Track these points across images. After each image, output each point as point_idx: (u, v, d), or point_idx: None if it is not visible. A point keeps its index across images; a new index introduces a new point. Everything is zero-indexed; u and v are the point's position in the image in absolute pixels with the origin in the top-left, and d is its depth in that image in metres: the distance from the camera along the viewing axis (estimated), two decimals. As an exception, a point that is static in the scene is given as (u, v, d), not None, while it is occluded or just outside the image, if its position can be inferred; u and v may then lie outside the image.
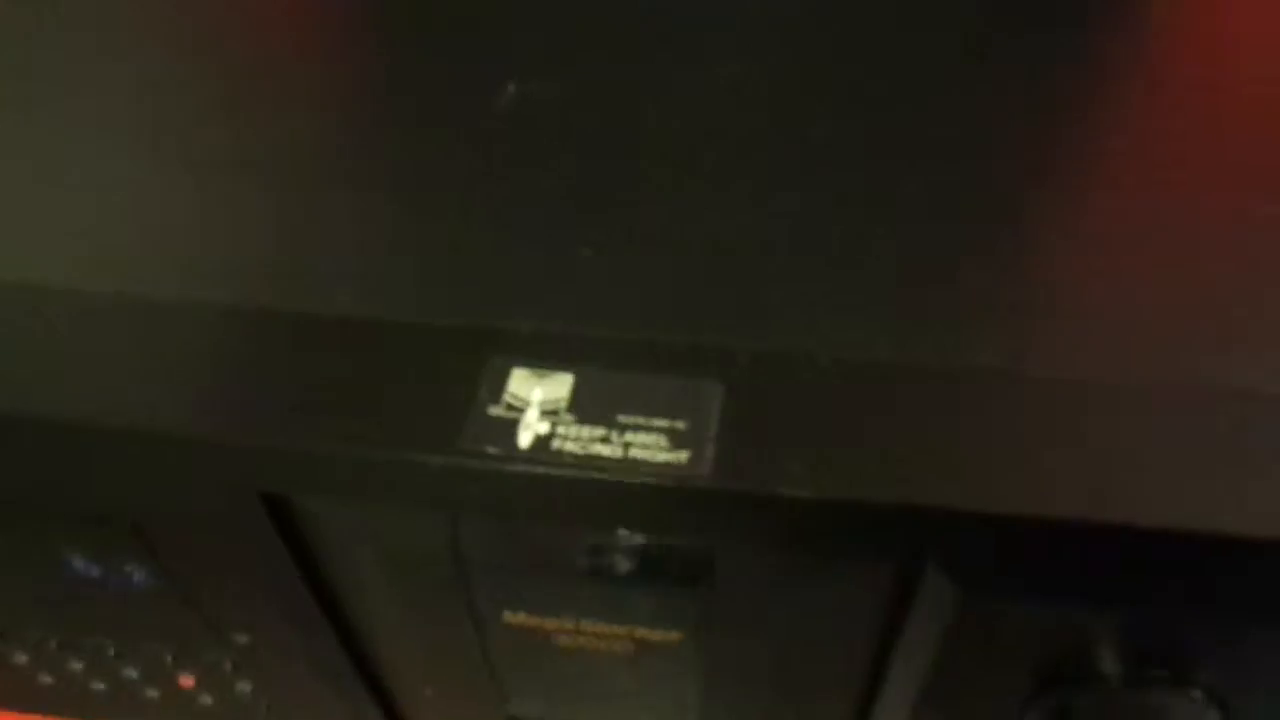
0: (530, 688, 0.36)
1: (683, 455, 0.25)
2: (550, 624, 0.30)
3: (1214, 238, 0.30)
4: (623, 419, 0.26)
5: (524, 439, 0.26)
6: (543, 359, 0.27)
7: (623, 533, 0.27)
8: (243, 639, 0.34)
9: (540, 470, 0.25)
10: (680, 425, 0.26)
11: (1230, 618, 0.26)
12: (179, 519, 0.29)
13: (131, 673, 0.38)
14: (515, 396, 0.27)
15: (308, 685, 0.37)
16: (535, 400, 0.27)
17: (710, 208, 0.32)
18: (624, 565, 0.28)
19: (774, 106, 0.35)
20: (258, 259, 0.30)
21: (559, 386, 0.27)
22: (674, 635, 0.30)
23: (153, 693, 0.39)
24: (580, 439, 0.26)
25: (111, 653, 0.37)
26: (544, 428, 0.26)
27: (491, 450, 0.26)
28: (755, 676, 0.31)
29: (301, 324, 0.28)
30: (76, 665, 0.38)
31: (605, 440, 0.26)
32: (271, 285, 0.29)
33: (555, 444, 0.26)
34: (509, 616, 0.30)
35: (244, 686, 0.38)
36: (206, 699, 0.39)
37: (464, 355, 0.27)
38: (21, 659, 0.39)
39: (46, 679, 0.40)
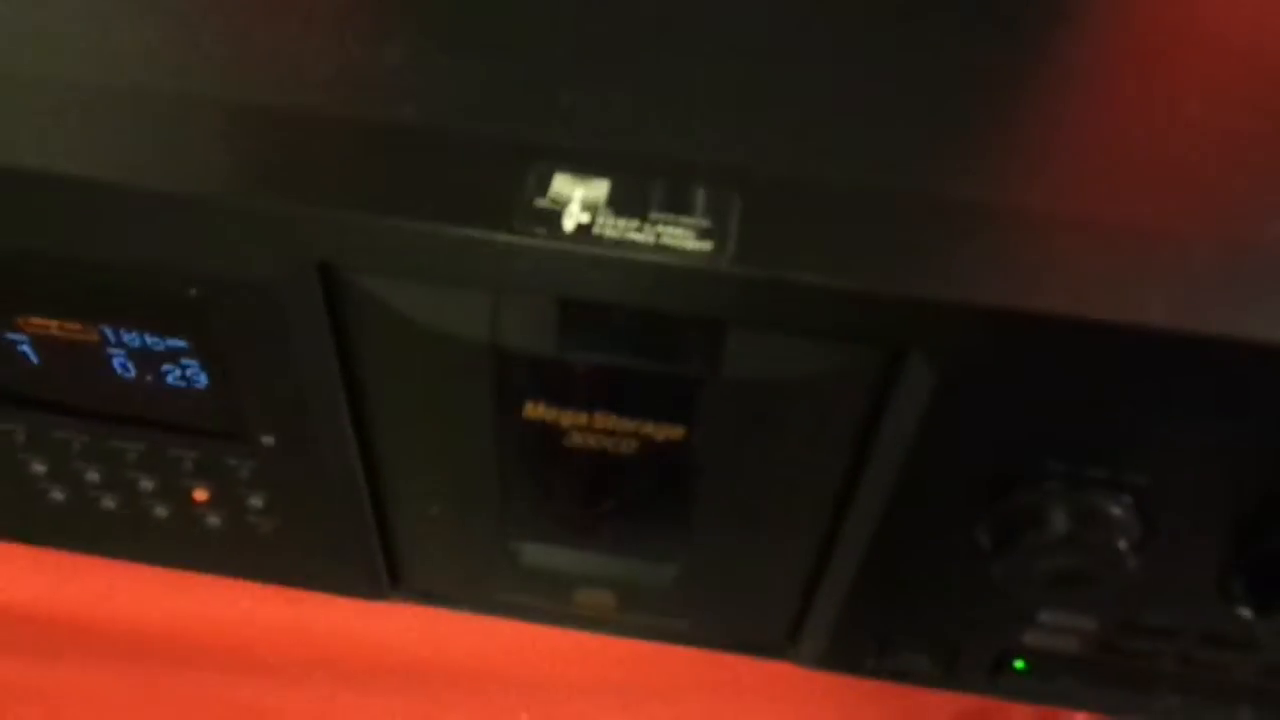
0: (530, 518, 0.39)
1: (707, 244, 0.29)
2: (566, 418, 0.34)
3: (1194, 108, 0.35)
4: (654, 216, 0.30)
5: (568, 225, 0.30)
6: (582, 167, 0.31)
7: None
8: (268, 439, 0.37)
9: (583, 250, 0.29)
10: (705, 223, 0.30)
11: (1165, 419, 0.30)
12: (238, 292, 0.32)
13: (147, 483, 0.40)
14: (558, 194, 0.30)
15: (317, 503, 0.40)
16: (576, 198, 0.30)
17: (742, 53, 0.36)
18: (638, 348, 0.32)
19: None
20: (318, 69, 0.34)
21: (597, 189, 0.30)
22: (677, 431, 0.33)
23: (162, 510, 0.42)
24: (618, 228, 0.30)
25: (134, 456, 0.39)
26: (585, 218, 0.30)
27: (540, 231, 0.29)
28: (747, 480, 0.35)
29: (363, 127, 0.32)
30: (94, 474, 0.40)
31: (639, 230, 0.30)
32: (332, 93, 0.33)
33: (595, 230, 0.30)
34: (529, 409, 0.34)
35: (255, 501, 0.40)
36: (214, 519, 0.41)
37: (510, 160, 0.31)
38: (39, 467, 0.41)
39: (58, 494, 0.42)
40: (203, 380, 0.37)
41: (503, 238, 0.29)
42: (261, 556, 0.44)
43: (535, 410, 0.34)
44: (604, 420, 0.34)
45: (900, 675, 0.43)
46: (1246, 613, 0.35)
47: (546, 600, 0.43)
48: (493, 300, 0.31)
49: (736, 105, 0.34)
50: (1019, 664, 0.41)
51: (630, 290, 0.30)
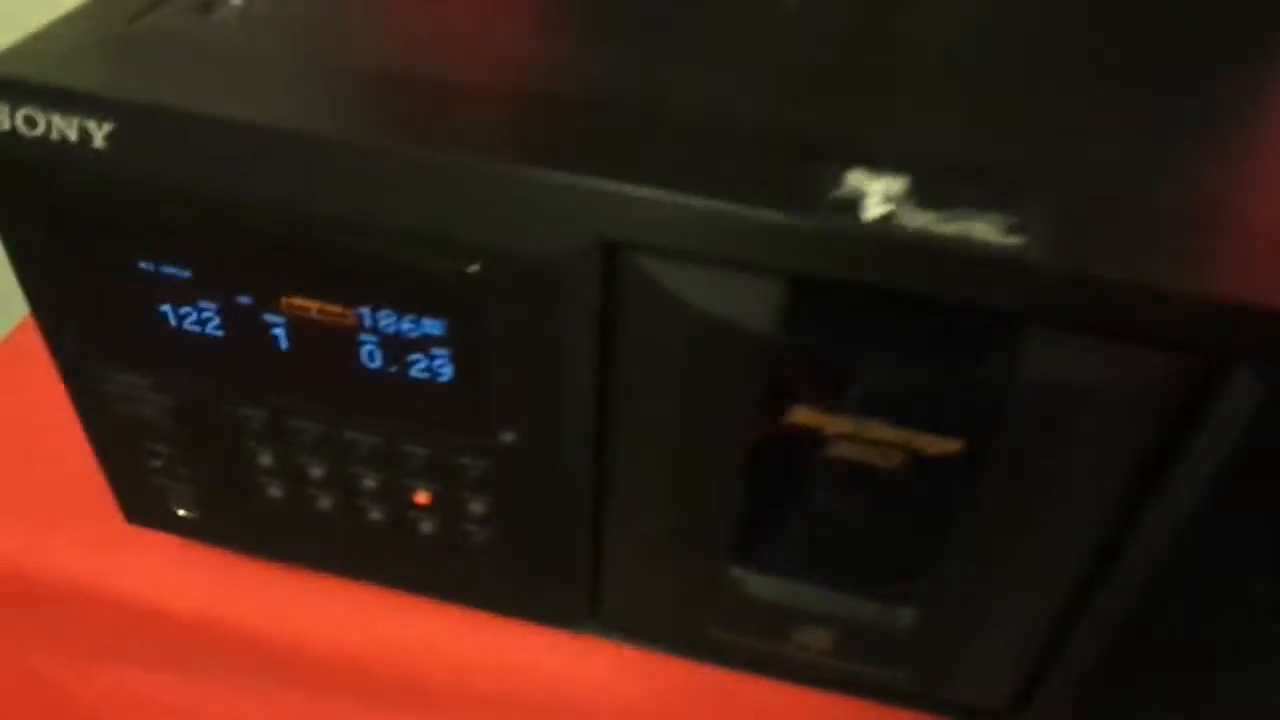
0: (763, 541, 0.37)
1: (1018, 238, 0.28)
2: (832, 424, 0.32)
3: None
4: (960, 210, 0.29)
5: (871, 212, 0.29)
6: (874, 164, 0.31)
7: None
8: (509, 437, 0.37)
9: (889, 235, 0.28)
10: (1013, 219, 0.29)
11: None
12: (518, 268, 0.32)
13: (372, 481, 0.40)
14: (856, 186, 0.30)
15: (538, 511, 0.39)
16: (875, 190, 0.30)
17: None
18: (934, 346, 0.30)
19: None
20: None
21: (896, 183, 0.30)
22: (954, 444, 0.32)
23: (378, 513, 0.41)
24: (922, 219, 0.29)
25: (366, 450, 0.39)
26: (887, 208, 0.29)
27: (843, 218, 0.29)
28: (1017, 507, 0.33)
29: (656, 119, 0.32)
30: (319, 468, 0.40)
31: (944, 221, 0.29)
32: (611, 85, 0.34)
33: (899, 219, 0.29)
34: (796, 413, 0.32)
35: (477, 506, 0.39)
36: (430, 525, 0.41)
37: (801, 155, 0.31)
38: (266, 458, 0.41)
39: (275, 490, 0.42)
40: (448, 373, 0.36)
41: (807, 222, 0.29)
42: (464, 573, 0.43)
43: (802, 415, 0.33)
44: (874, 429, 0.32)
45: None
46: None
47: (760, 639, 0.41)
48: (780, 289, 0.30)
49: (1004, 111, 0.34)
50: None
51: (933, 281, 0.29)
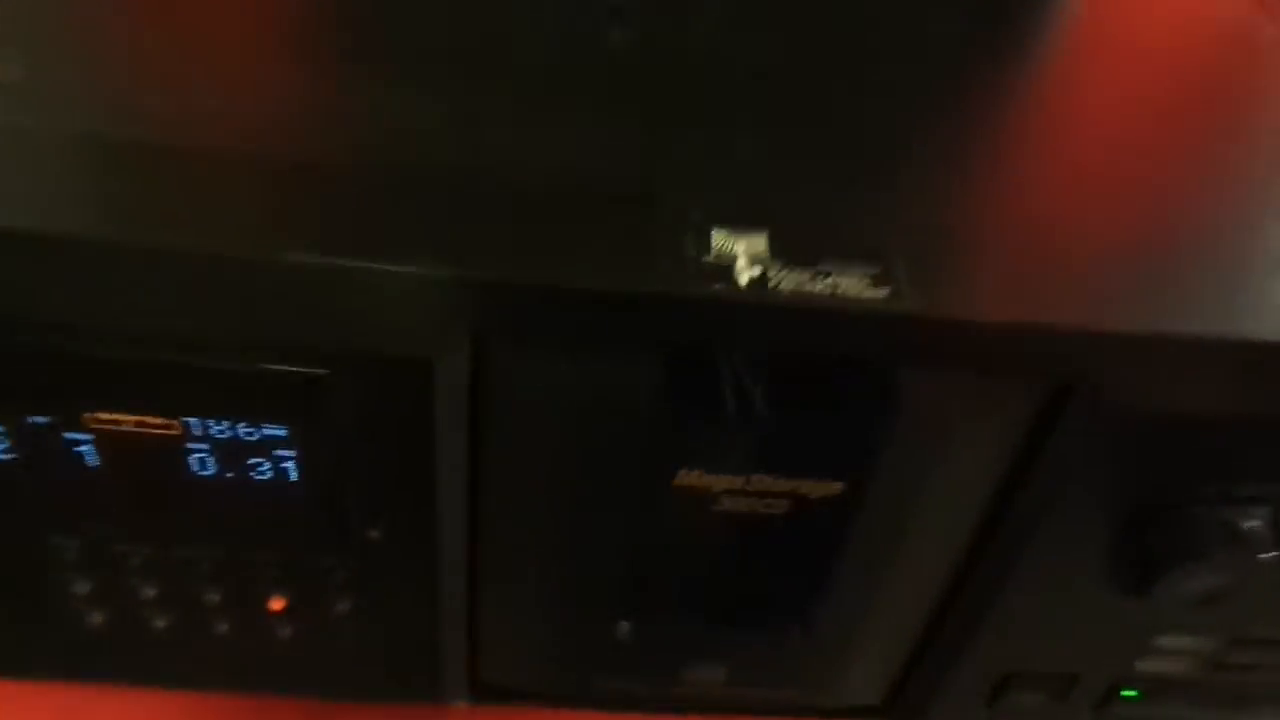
0: (648, 593, 0.37)
1: (883, 292, 0.29)
2: (718, 484, 0.32)
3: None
4: (823, 266, 0.29)
5: (743, 279, 0.29)
6: (730, 221, 0.30)
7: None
8: (374, 533, 0.34)
9: (761, 302, 0.28)
10: (874, 271, 0.29)
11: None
12: (374, 368, 0.29)
13: (214, 596, 0.36)
14: (721, 251, 0.29)
15: (410, 600, 0.37)
16: (740, 252, 0.29)
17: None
18: (810, 400, 0.31)
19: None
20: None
21: (756, 243, 0.30)
22: (834, 487, 0.32)
23: (223, 626, 0.37)
24: (791, 280, 0.29)
25: (206, 566, 0.35)
26: (756, 272, 0.29)
27: (719, 287, 0.28)
28: (890, 532, 0.34)
29: (502, 189, 0.30)
30: (150, 590, 0.36)
31: (814, 280, 0.29)
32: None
33: (771, 283, 0.29)
34: (682, 477, 0.32)
35: (342, 607, 0.36)
36: (287, 630, 0.37)
37: (659, 218, 0.30)
38: (82, 588, 0.36)
39: (96, 618, 0.37)
40: (295, 475, 0.33)
41: (681, 293, 0.28)
42: (329, 669, 0.40)
43: (689, 478, 0.32)
44: (760, 482, 0.32)
45: (1006, 721, 0.42)
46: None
47: (649, 684, 0.40)
48: (655, 361, 0.30)
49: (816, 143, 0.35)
50: (1128, 693, 0.41)
51: (804, 339, 0.29)
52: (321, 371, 0.29)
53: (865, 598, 0.37)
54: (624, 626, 0.38)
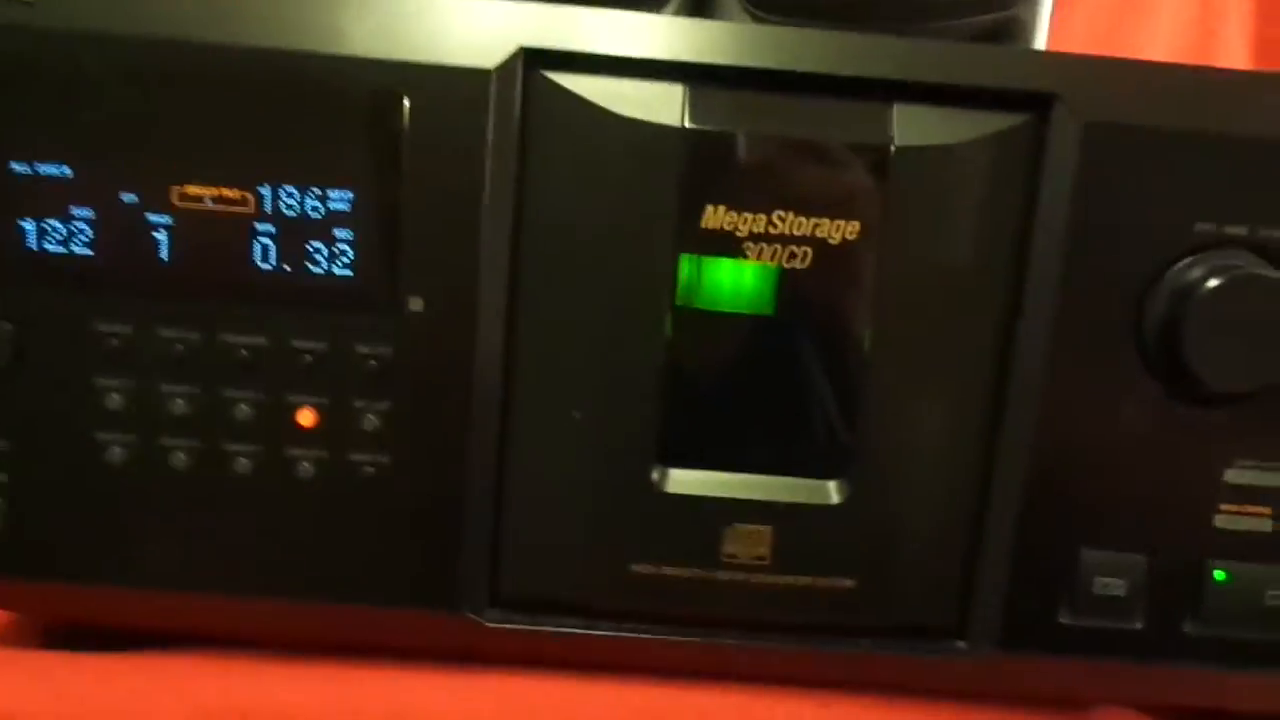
0: (681, 426, 0.36)
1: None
2: (743, 223, 0.34)
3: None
4: None
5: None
6: None
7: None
8: (416, 304, 0.35)
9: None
10: None
11: None
12: (441, 87, 0.34)
13: (245, 407, 0.35)
14: None
15: (439, 448, 0.36)
16: None
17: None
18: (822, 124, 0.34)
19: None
20: None
21: None
22: (852, 227, 0.34)
23: (245, 462, 0.36)
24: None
25: (244, 357, 0.35)
26: None
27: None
28: (923, 272, 0.36)
29: None
30: (181, 401, 0.35)
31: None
32: None
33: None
34: (709, 216, 0.34)
35: (369, 420, 0.35)
36: (308, 464, 0.36)
37: None
38: (114, 400, 0.35)
39: (117, 451, 0.36)
40: (350, 254, 0.35)
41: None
42: (343, 543, 0.37)
43: (715, 216, 0.34)
44: (782, 221, 0.35)
45: (1098, 623, 0.37)
46: None
47: (690, 561, 0.37)
48: (684, 86, 0.35)
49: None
50: (1219, 575, 0.37)
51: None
52: (394, 89, 0.34)
53: (901, 435, 0.37)
54: (657, 472, 0.36)
